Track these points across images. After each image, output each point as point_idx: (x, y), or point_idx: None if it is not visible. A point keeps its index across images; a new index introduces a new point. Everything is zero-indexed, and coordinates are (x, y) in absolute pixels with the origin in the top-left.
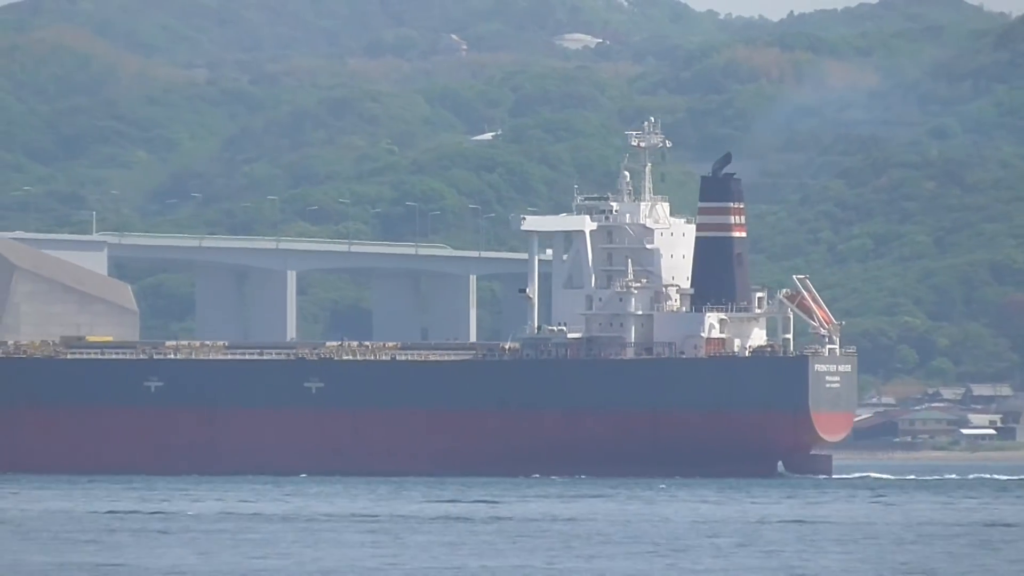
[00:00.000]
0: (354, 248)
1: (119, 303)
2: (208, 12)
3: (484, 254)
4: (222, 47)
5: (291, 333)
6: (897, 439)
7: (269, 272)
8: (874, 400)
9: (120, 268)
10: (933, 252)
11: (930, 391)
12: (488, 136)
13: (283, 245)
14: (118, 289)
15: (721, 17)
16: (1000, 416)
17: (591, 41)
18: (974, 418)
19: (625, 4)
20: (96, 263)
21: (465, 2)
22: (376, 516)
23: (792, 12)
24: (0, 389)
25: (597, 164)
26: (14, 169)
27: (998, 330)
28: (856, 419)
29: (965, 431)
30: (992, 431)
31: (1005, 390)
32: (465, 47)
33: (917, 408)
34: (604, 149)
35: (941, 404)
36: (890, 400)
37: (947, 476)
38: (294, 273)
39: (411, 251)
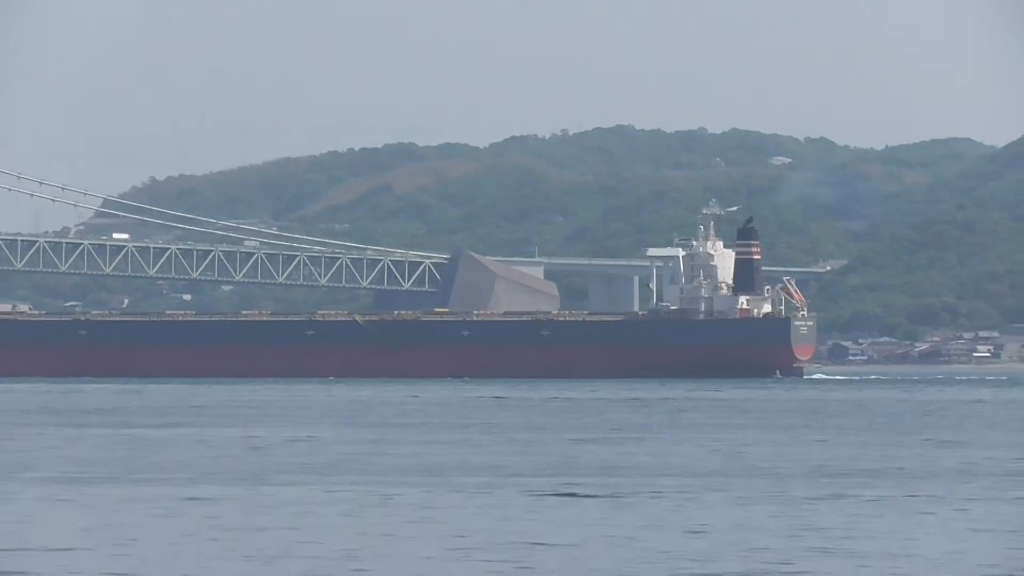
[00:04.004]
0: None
1: (549, 293)
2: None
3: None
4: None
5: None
6: (942, 358)
7: (624, 278)
8: (928, 339)
9: (549, 275)
10: (956, 267)
11: (962, 334)
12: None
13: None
14: (548, 286)
15: (852, 148)
16: (992, 347)
17: (787, 161)
18: (980, 347)
19: (802, 140)
20: (537, 272)
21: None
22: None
23: (887, 145)
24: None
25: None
26: (492, 226)
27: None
28: (919, 348)
29: (975, 354)
30: (987, 354)
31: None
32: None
33: (952, 342)
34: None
35: (962, 341)
36: (937, 339)
37: (911, 378)
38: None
39: None
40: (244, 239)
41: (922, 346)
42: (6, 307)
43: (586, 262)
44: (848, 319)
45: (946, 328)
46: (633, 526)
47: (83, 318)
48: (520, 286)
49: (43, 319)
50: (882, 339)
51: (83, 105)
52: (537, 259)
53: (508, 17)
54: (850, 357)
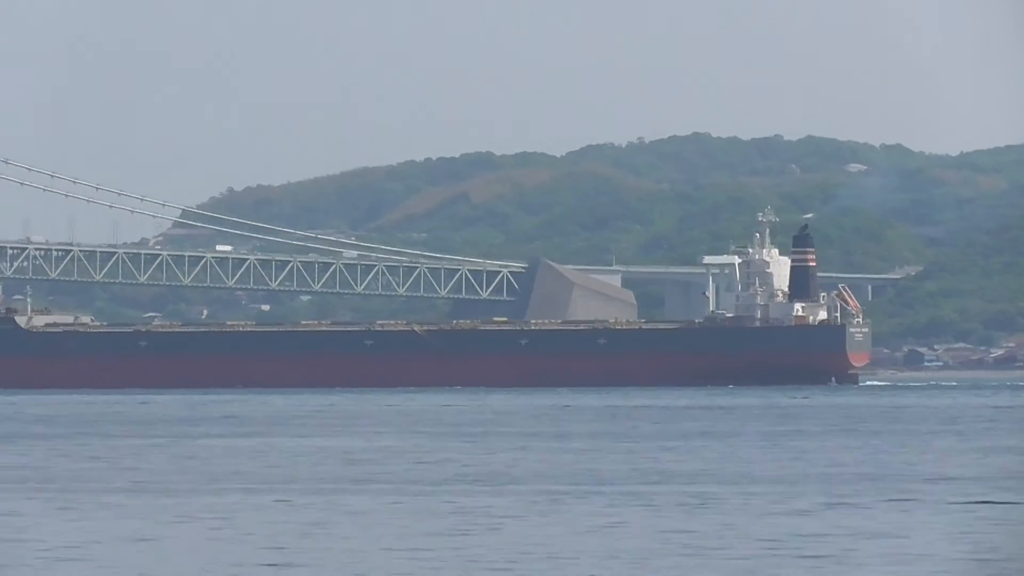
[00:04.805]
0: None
1: (627, 302)
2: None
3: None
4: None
5: None
6: (1017, 364)
7: (701, 286)
8: (1003, 345)
9: (626, 283)
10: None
11: None
12: None
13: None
14: (625, 295)
15: (926, 154)
16: None
17: (863, 168)
18: None
19: (877, 147)
20: (614, 280)
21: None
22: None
23: (962, 151)
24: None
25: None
26: (569, 234)
27: None
28: (995, 354)
29: None
30: None
31: None
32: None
33: None
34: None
35: None
36: (1012, 344)
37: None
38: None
39: None
40: (323, 248)
41: (997, 352)
42: (68, 318)
43: (663, 270)
44: (924, 325)
45: (1021, 333)
46: None
47: (144, 329)
48: (597, 294)
49: (104, 330)
50: (957, 345)
51: (160, 115)
52: (614, 267)
53: (584, 26)
54: (926, 363)
